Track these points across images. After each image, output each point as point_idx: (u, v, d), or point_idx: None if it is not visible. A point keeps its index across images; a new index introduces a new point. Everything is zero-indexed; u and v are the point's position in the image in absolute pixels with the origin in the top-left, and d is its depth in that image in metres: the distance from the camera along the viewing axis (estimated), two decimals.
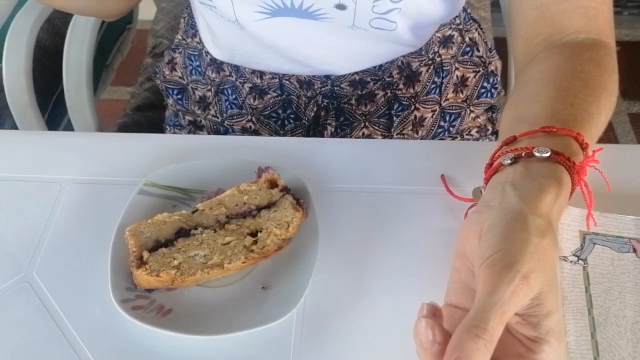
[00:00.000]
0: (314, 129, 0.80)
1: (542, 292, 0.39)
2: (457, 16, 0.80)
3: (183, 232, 0.54)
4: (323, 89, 0.78)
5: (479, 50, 0.83)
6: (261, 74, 0.78)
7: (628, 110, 1.72)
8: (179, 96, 0.87)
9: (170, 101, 0.88)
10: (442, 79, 0.80)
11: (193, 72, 0.85)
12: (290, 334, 0.51)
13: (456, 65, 0.81)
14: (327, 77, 0.76)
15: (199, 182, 0.60)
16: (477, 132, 0.85)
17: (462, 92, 0.82)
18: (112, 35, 1.13)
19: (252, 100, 0.81)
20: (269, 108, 0.80)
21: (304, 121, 0.80)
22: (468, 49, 0.82)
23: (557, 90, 0.56)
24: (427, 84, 0.80)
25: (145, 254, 0.52)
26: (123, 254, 0.53)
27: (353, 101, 0.79)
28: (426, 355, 0.39)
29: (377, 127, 0.80)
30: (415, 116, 0.80)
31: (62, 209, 0.60)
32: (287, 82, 0.78)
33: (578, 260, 0.54)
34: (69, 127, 0.96)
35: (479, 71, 0.83)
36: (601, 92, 0.56)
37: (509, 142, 0.51)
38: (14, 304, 0.54)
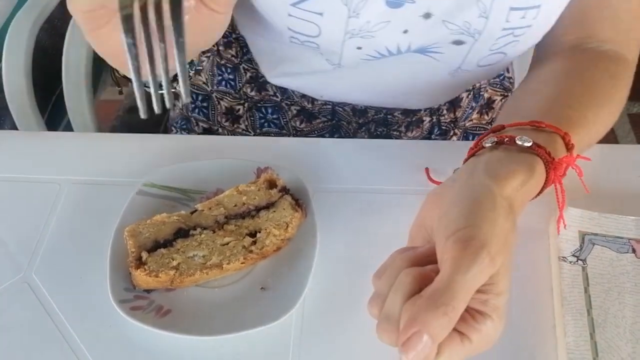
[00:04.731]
0: None
1: (498, 273, 0.41)
2: None
3: (182, 233, 0.54)
4: (376, 116, 0.77)
5: (508, 71, 0.83)
6: (313, 99, 0.77)
7: (628, 111, 1.72)
8: (204, 104, 0.83)
9: (179, 104, 0.85)
10: (477, 103, 0.81)
11: (223, 83, 0.81)
12: (289, 335, 0.51)
13: (487, 87, 0.81)
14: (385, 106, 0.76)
15: (198, 182, 0.60)
16: None
17: (487, 114, 0.82)
18: None
19: (298, 122, 0.79)
20: (316, 132, 0.80)
21: None
22: (502, 71, 0.82)
23: (560, 90, 0.56)
24: (467, 109, 0.80)
25: (144, 255, 0.52)
26: (122, 254, 0.53)
27: (403, 128, 0.79)
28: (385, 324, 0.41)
29: None
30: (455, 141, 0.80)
31: (61, 209, 0.60)
32: (341, 109, 0.77)
33: (577, 261, 0.54)
34: (69, 128, 0.96)
35: (507, 95, 0.82)
36: (605, 102, 0.56)
37: (497, 130, 0.52)
38: (13, 305, 0.53)
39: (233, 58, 0.81)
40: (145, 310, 0.51)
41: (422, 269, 0.42)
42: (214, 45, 0.81)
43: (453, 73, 0.67)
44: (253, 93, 0.80)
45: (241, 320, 0.50)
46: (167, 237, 0.54)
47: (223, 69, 0.81)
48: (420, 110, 0.78)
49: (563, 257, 0.54)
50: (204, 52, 0.83)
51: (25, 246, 0.57)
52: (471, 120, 0.82)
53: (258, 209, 0.56)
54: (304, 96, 0.77)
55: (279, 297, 0.52)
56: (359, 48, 0.62)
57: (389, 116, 0.77)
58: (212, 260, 0.52)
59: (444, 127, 0.80)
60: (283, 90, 0.78)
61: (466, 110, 0.80)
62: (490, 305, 0.40)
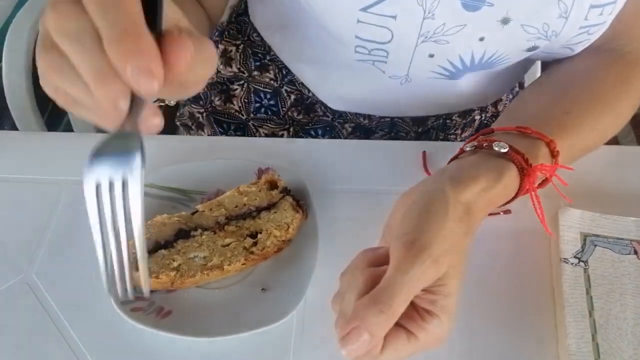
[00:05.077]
0: None
1: (447, 275, 0.42)
2: None
3: (183, 234, 0.54)
4: (435, 123, 0.77)
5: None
6: (369, 115, 0.75)
7: None
8: (239, 133, 0.79)
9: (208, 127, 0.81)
10: (512, 95, 0.81)
11: (262, 110, 0.78)
12: (290, 336, 0.51)
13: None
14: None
15: (199, 183, 0.60)
16: None
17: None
18: None
19: (353, 138, 0.77)
20: None
21: None
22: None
23: (561, 94, 0.56)
24: (506, 102, 0.81)
25: None
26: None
27: (459, 130, 0.79)
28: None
29: None
30: None
31: (61, 210, 0.60)
32: (400, 120, 0.75)
33: (579, 262, 0.54)
34: (69, 128, 0.96)
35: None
36: (610, 108, 0.56)
37: (486, 133, 0.53)
38: (13, 305, 0.53)
39: (272, 82, 0.76)
40: (146, 312, 0.51)
41: (376, 269, 0.44)
42: (244, 72, 0.77)
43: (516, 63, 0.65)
44: (300, 117, 0.77)
45: (242, 321, 0.50)
46: (167, 238, 0.54)
47: (262, 96, 0.77)
48: (474, 110, 0.77)
49: (565, 258, 0.54)
50: (236, 80, 0.78)
51: (25, 247, 0.57)
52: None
53: (259, 210, 0.56)
54: (359, 113, 0.75)
55: (279, 298, 0.52)
56: (431, 56, 0.59)
57: (447, 121, 0.77)
58: (213, 262, 0.52)
59: (487, 123, 0.80)
60: (332, 109, 0.75)
61: (505, 103, 0.81)
62: (438, 305, 0.42)
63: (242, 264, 0.52)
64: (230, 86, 0.78)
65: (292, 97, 0.76)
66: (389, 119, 0.75)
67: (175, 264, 0.52)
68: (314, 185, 0.60)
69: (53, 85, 0.36)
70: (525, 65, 0.72)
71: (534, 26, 0.56)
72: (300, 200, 0.57)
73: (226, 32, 0.79)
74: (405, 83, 0.65)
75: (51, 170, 0.64)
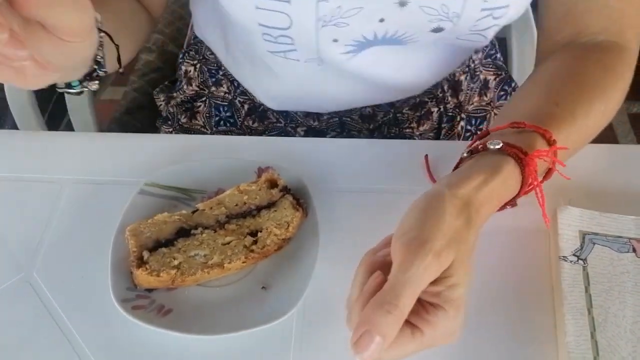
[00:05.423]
0: None
1: (452, 267, 0.42)
2: None
3: (183, 232, 0.55)
4: (385, 118, 0.77)
5: (497, 51, 0.83)
6: (318, 116, 0.76)
7: (628, 110, 1.72)
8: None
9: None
10: (474, 84, 0.81)
11: (222, 122, 0.81)
12: (290, 334, 0.51)
13: (481, 68, 0.81)
14: (391, 104, 0.75)
15: (199, 182, 0.60)
16: None
17: (485, 95, 0.82)
18: None
19: None
20: None
21: None
22: (492, 51, 0.82)
23: (548, 89, 0.57)
24: (468, 91, 0.80)
25: (146, 254, 0.52)
26: (123, 253, 0.53)
27: (414, 124, 0.79)
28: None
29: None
30: (462, 126, 0.80)
31: (62, 209, 0.60)
32: (349, 119, 0.76)
33: (578, 260, 0.54)
34: (69, 127, 0.96)
35: (500, 74, 0.82)
36: (596, 95, 0.56)
37: (482, 137, 0.53)
38: (14, 304, 0.54)
39: (227, 95, 0.80)
40: (146, 310, 0.51)
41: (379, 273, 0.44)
42: (204, 89, 0.81)
43: (436, 47, 0.66)
44: (255, 125, 0.79)
45: (242, 319, 0.50)
46: (168, 237, 0.54)
47: (221, 109, 0.81)
48: (426, 102, 0.77)
49: (563, 256, 0.54)
50: (199, 97, 0.81)
51: (26, 246, 0.57)
52: (472, 103, 0.81)
53: (259, 209, 0.56)
54: (307, 115, 0.76)
55: (280, 297, 0.52)
56: (335, 40, 0.61)
57: (398, 114, 0.77)
58: (214, 260, 0.53)
59: (450, 114, 0.79)
60: (285, 115, 0.77)
61: (467, 93, 0.80)
62: (442, 297, 0.42)
63: (243, 262, 0.53)
64: (194, 104, 0.82)
65: (246, 106, 0.79)
66: (337, 119, 0.76)
67: (175, 262, 0.52)
68: (314, 184, 0.60)
69: None
70: (462, 50, 0.72)
71: (433, 7, 0.57)
72: (300, 198, 0.57)
73: (186, 54, 0.84)
74: (323, 64, 0.66)
75: (51, 170, 0.64)
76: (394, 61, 0.68)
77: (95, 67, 0.52)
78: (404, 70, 0.71)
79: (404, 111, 0.77)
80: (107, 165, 0.64)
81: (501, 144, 0.49)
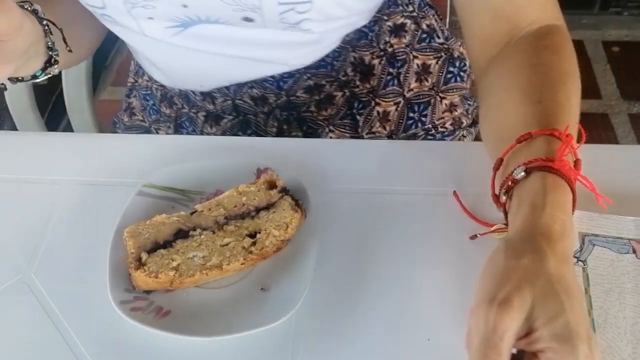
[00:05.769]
0: None
1: (534, 307, 0.40)
2: (410, 3, 0.78)
3: (182, 234, 0.54)
4: (278, 101, 0.75)
5: (438, 37, 0.82)
6: (212, 98, 0.76)
7: (628, 111, 1.72)
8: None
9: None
10: (399, 69, 0.78)
11: (151, 111, 0.83)
12: (289, 336, 0.51)
13: (414, 53, 0.79)
14: (280, 88, 0.74)
15: (198, 183, 0.60)
16: (451, 124, 0.82)
17: (427, 80, 0.80)
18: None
19: (209, 128, 0.79)
20: (228, 132, 0.78)
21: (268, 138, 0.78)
22: (425, 35, 0.80)
23: (521, 92, 0.56)
24: (382, 76, 0.78)
25: (144, 256, 0.52)
26: (122, 255, 0.53)
27: (313, 108, 0.76)
28: None
29: (343, 129, 0.78)
30: (378, 111, 0.78)
31: (61, 210, 0.60)
32: (241, 101, 0.76)
33: (577, 262, 0.54)
34: (69, 128, 0.96)
35: (441, 56, 0.81)
36: (564, 78, 0.56)
37: (498, 167, 0.53)
38: (12, 305, 0.53)
39: (147, 82, 0.82)
40: (145, 311, 0.51)
41: None
42: (135, 81, 0.84)
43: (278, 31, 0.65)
44: (168, 111, 0.81)
45: (241, 321, 0.50)
46: (166, 238, 0.54)
47: (147, 98, 0.83)
48: (324, 85, 0.75)
49: None
50: (130, 92, 0.85)
51: (24, 247, 0.57)
52: (411, 89, 0.80)
53: (258, 210, 0.56)
54: (204, 98, 0.76)
55: (279, 298, 0.52)
56: (151, 18, 0.63)
57: (291, 98, 0.75)
58: (212, 261, 0.52)
59: (363, 99, 0.77)
60: (187, 99, 0.78)
61: (382, 77, 0.78)
62: (543, 339, 0.40)
63: (241, 264, 0.53)
64: (129, 100, 0.86)
65: (159, 93, 0.81)
66: (230, 101, 0.76)
67: (174, 264, 0.52)
68: (313, 185, 0.60)
69: None
70: (337, 32, 0.71)
71: None
72: (299, 199, 0.57)
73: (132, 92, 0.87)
74: (153, 40, 0.67)
75: (51, 170, 0.64)
76: (244, 37, 0.67)
77: (50, 52, 0.60)
78: (255, 47, 0.69)
79: (297, 94, 0.75)
80: (105, 166, 0.64)
81: (524, 169, 0.48)
